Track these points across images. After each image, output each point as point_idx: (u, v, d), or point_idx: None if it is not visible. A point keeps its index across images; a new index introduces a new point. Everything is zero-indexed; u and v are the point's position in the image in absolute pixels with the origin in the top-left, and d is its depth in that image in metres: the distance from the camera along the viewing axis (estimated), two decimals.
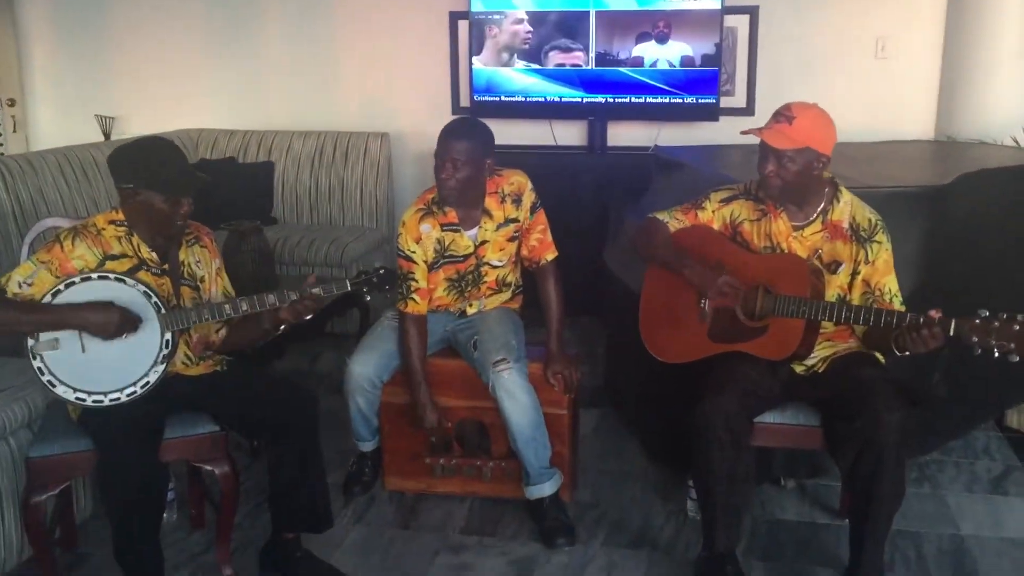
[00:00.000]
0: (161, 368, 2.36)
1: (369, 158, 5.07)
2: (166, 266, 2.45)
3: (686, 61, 4.77)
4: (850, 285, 2.46)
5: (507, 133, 4.64)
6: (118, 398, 2.32)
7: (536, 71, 4.94)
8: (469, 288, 2.94)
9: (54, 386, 2.30)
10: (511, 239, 2.91)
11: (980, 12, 4.58)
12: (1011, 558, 2.68)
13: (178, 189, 2.35)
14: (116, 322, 2.28)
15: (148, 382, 2.34)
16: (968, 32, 4.64)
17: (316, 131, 5.20)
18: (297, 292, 2.42)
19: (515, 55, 4.95)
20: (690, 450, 2.43)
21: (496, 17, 4.91)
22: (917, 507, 2.93)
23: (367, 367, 2.89)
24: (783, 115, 2.38)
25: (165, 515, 2.64)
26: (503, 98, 5.00)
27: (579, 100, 4.93)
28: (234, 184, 4.90)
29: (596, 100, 4.91)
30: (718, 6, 4.68)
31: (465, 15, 5.02)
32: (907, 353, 2.22)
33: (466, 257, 2.88)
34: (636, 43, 4.81)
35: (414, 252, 2.84)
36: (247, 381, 2.59)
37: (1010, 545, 2.74)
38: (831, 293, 2.45)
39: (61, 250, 2.33)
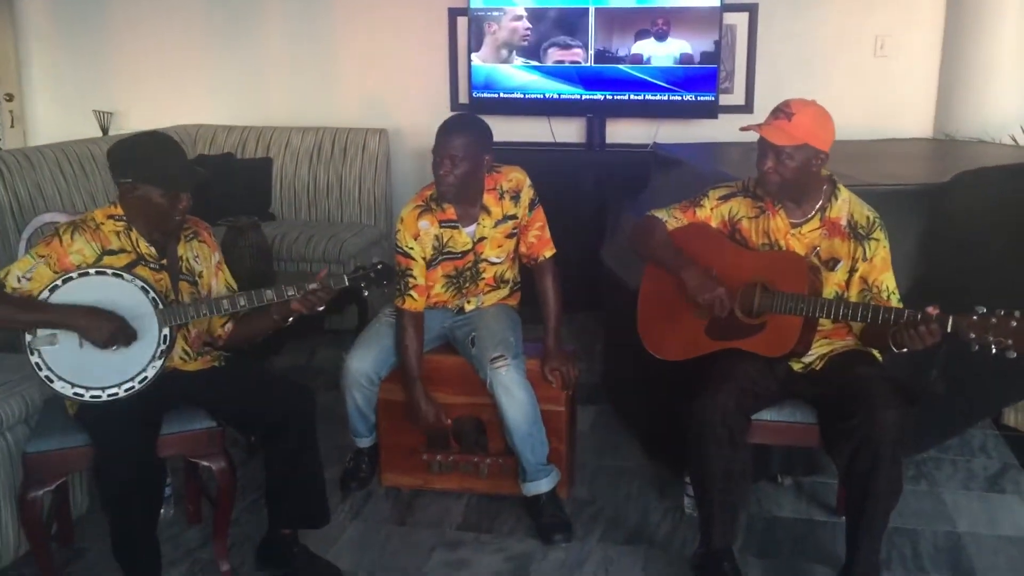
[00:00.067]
0: (159, 363, 2.36)
1: (368, 154, 5.07)
2: (164, 261, 2.45)
3: (685, 58, 4.77)
4: (848, 282, 2.46)
5: (506, 130, 4.64)
6: (116, 393, 2.32)
7: (535, 68, 4.93)
8: (467, 285, 2.94)
9: (52, 381, 2.30)
10: (509, 236, 2.91)
11: (979, 11, 4.59)
12: (1007, 556, 2.68)
13: (177, 183, 2.35)
14: (110, 331, 2.28)
15: (146, 377, 2.34)
16: (967, 31, 4.64)
17: (315, 127, 5.20)
18: (295, 287, 2.42)
19: (514, 52, 4.94)
20: (687, 447, 2.43)
21: (495, 14, 4.91)
22: (914, 505, 2.93)
23: (364, 363, 2.89)
24: (782, 111, 2.38)
25: (162, 510, 2.63)
26: (502, 95, 5.00)
27: (578, 97, 4.93)
28: (232, 180, 4.89)
29: (595, 97, 4.91)
30: (717, 4, 4.68)
31: (464, 11, 5.02)
32: (905, 350, 2.22)
33: (464, 254, 2.88)
34: (635, 40, 4.81)
35: (412, 249, 2.84)
36: (245, 377, 2.59)
37: (1006, 543, 2.75)
38: (829, 290, 2.45)
39: (60, 244, 2.33)
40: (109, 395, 2.31)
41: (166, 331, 2.36)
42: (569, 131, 5.14)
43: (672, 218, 2.63)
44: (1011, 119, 4.44)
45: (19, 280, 2.29)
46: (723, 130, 4.70)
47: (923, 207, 2.88)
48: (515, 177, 2.90)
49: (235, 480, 2.58)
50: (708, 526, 2.45)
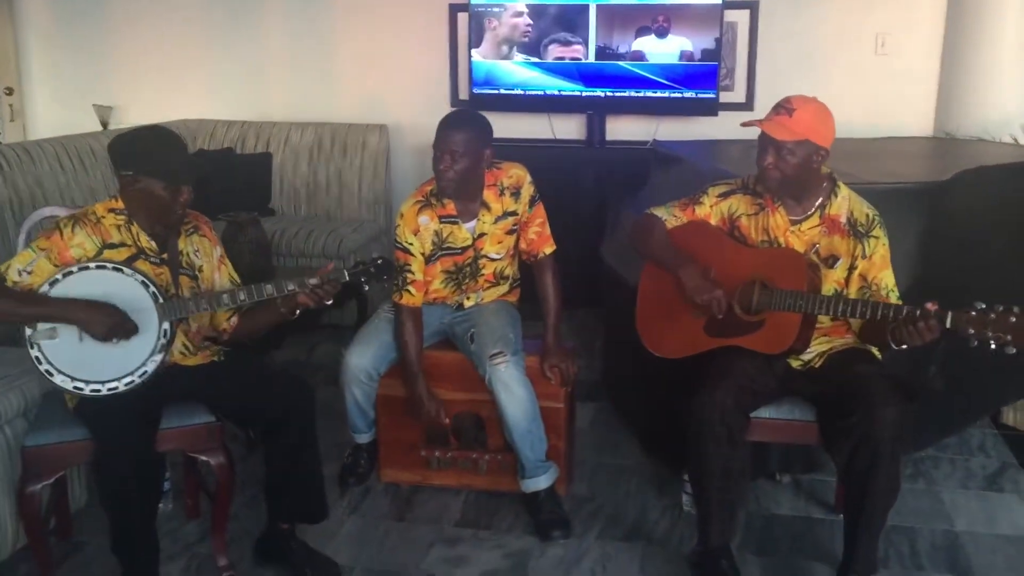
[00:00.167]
0: (159, 358, 2.36)
1: (367, 150, 5.06)
2: (165, 255, 2.45)
3: (686, 56, 4.77)
4: (847, 280, 2.46)
5: (506, 126, 4.61)
6: (116, 387, 2.31)
7: (535, 64, 4.93)
8: (467, 281, 2.94)
9: (52, 375, 2.29)
10: (509, 232, 2.91)
11: (980, 10, 4.58)
12: (1005, 555, 2.69)
13: (178, 176, 2.35)
14: (108, 326, 2.28)
15: (146, 372, 2.34)
16: (968, 29, 4.64)
17: (314, 123, 5.20)
18: (296, 281, 2.42)
19: (514, 48, 4.94)
20: (686, 444, 2.43)
21: (496, 10, 4.90)
22: (912, 503, 2.93)
23: (364, 359, 2.89)
24: (783, 107, 2.38)
25: (161, 505, 2.64)
26: (502, 91, 4.99)
27: (578, 94, 4.92)
28: (232, 175, 4.88)
29: (595, 94, 4.90)
30: (718, 1, 4.68)
31: (464, 7, 5.01)
32: (904, 347, 2.22)
33: (464, 249, 2.88)
34: (636, 37, 4.80)
35: (411, 244, 2.84)
36: (244, 371, 2.59)
37: (1004, 542, 2.75)
38: (828, 288, 2.45)
39: (60, 238, 2.33)
40: (109, 389, 2.31)
41: (166, 325, 2.36)
42: (569, 128, 5.14)
43: (671, 216, 2.63)
44: (1011, 118, 4.44)
45: (20, 274, 2.29)
46: (723, 128, 4.69)
47: (923, 206, 2.88)
48: (515, 173, 2.90)
49: (234, 475, 2.57)
50: (706, 524, 2.45)
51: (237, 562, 2.62)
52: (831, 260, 2.46)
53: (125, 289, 2.32)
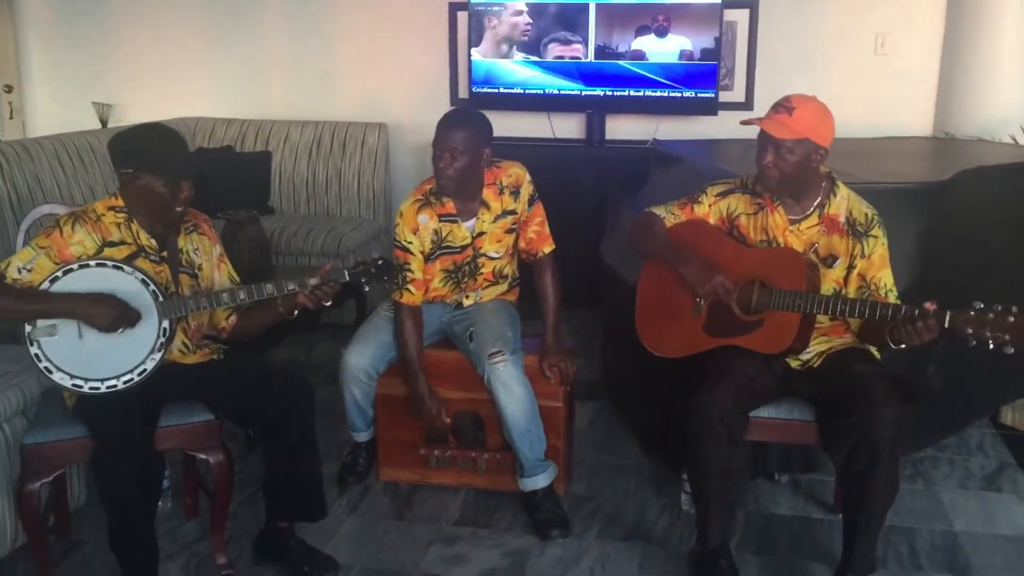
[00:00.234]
0: (158, 356, 2.35)
1: (367, 149, 5.06)
2: (165, 253, 2.45)
3: (685, 55, 4.77)
4: (846, 279, 2.46)
5: (505, 125, 4.61)
6: (115, 385, 2.31)
7: (535, 63, 4.93)
8: (466, 279, 2.94)
9: (51, 372, 2.29)
10: (509, 231, 2.91)
11: (980, 10, 4.59)
12: (1004, 555, 2.69)
13: (178, 173, 2.34)
14: (113, 316, 2.28)
15: (145, 370, 2.34)
16: (968, 30, 4.64)
17: (314, 121, 5.20)
18: (296, 281, 2.42)
19: (514, 47, 4.94)
20: (685, 444, 2.43)
21: (495, 9, 4.90)
22: (911, 503, 2.93)
23: (363, 358, 2.89)
24: (783, 106, 2.38)
25: (160, 503, 2.63)
26: (502, 90, 4.99)
27: (578, 93, 4.92)
28: (231, 173, 4.89)
29: (595, 93, 4.90)
30: (718, 0, 4.67)
31: (464, 6, 5.00)
32: (903, 346, 2.22)
33: (463, 248, 2.88)
34: (635, 36, 4.80)
35: (411, 243, 2.84)
36: (244, 370, 2.59)
37: (1003, 542, 2.75)
38: (827, 287, 2.45)
39: (60, 235, 2.33)
40: (108, 387, 2.31)
41: (166, 324, 2.36)
42: (569, 127, 5.14)
43: (670, 215, 2.63)
44: (1011, 118, 4.44)
45: (19, 271, 2.29)
46: (723, 127, 4.69)
47: (923, 205, 2.88)
48: (515, 172, 2.90)
49: (233, 473, 2.58)
50: (705, 523, 2.45)
51: (236, 560, 2.62)
52: (830, 260, 2.46)
53: (125, 287, 2.32)
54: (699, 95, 4.79)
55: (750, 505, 2.92)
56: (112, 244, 2.37)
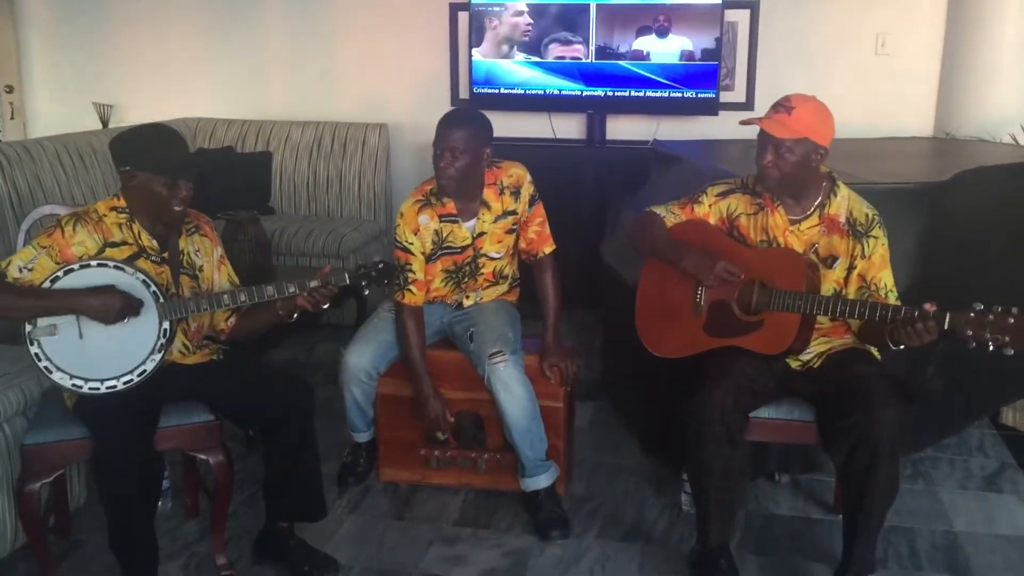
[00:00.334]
0: (158, 357, 2.36)
1: (367, 149, 5.06)
2: (166, 254, 2.45)
3: (686, 55, 4.77)
4: (846, 280, 2.46)
5: (506, 125, 4.63)
6: (115, 386, 2.31)
7: (536, 64, 4.93)
8: (466, 280, 2.94)
9: (51, 372, 2.29)
10: (509, 231, 2.91)
11: (980, 10, 4.59)
12: (1004, 555, 2.69)
13: (175, 171, 2.34)
14: (117, 307, 2.28)
15: (145, 371, 2.34)
16: (968, 30, 4.64)
17: (315, 121, 5.20)
18: (296, 283, 2.42)
19: (515, 47, 4.94)
20: (685, 444, 2.43)
21: (496, 9, 4.90)
22: (911, 503, 2.93)
23: (363, 358, 2.89)
24: (782, 105, 2.38)
25: (160, 504, 2.63)
26: (502, 90, 4.99)
27: (578, 93, 4.92)
28: (232, 174, 4.89)
29: (595, 93, 4.90)
30: (719, 1, 4.68)
31: (465, 7, 5.01)
32: (902, 347, 2.22)
33: (464, 249, 2.88)
34: (636, 36, 4.80)
35: (412, 243, 2.84)
36: (243, 370, 2.59)
37: (1003, 542, 2.75)
38: (827, 288, 2.45)
39: (62, 235, 2.33)
40: (107, 388, 2.31)
41: (166, 325, 2.36)
42: (569, 127, 5.14)
43: (671, 214, 2.63)
44: (1011, 118, 4.44)
45: (20, 270, 2.29)
46: (723, 127, 4.70)
47: (923, 206, 2.88)
48: (515, 173, 2.90)
49: (232, 474, 2.58)
50: (705, 523, 2.45)
51: (236, 561, 2.62)
52: (830, 260, 2.46)
53: (126, 288, 2.32)
54: (700, 95, 4.79)
55: (750, 505, 2.92)
56: (113, 245, 2.37)
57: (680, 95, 4.81)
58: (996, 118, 4.49)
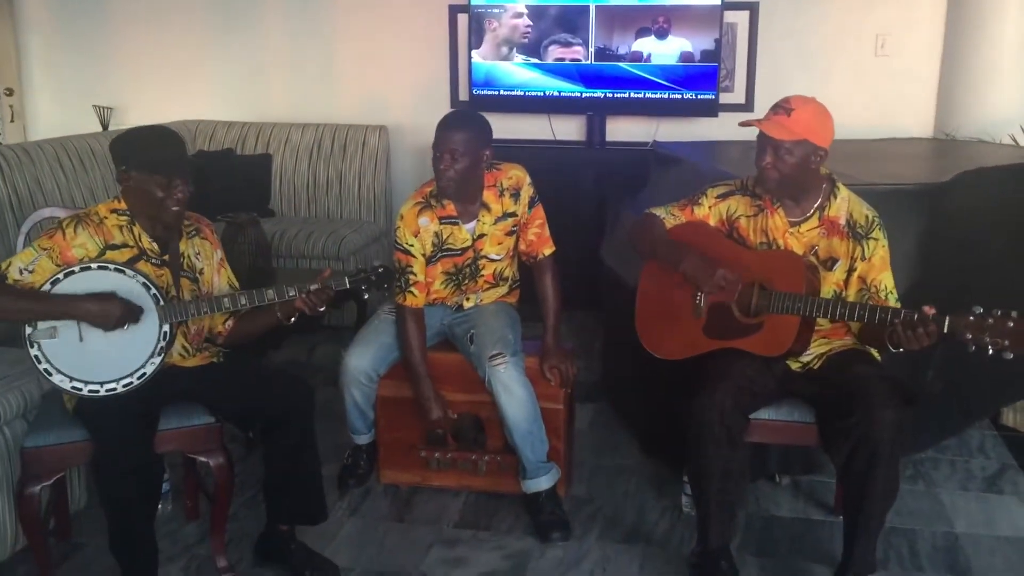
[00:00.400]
0: (158, 360, 2.36)
1: (367, 151, 5.06)
2: (166, 257, 2.45)
3: (685, 56, 4.77)
4: (846, 282, 2.46)
5: (505, 127, 4.63)
6: (114, 389, 2.31)
7: (535, 65, 4.93)
8: (466, 282, 2.94)
9: (51, 374, 2.29)
10: (509, 233, 2.91)
11: (980, 11, 4.59)
12: (1004, 556, 2.69)
13: (170, 169, 2.33)
14: (117, 314, 2.28)
15: (145, 374, 2.34)
16: (968, 30, 4.64)
17: (314, 123, 5.20)
18: (296, 286, 2.42)
19: (514, 49, 4.94)
20: (685, 446, 2.43)
21: (496, 11, 4.90)
22: (911, 504, 2.93)
23: (363, 360, 2.89)
24: (782, 107, 2.38)
25: (160, 506, 2.63)
26: (502, 92, 4.99)
27: (578, 95, 4.92)
28: (232, 176, 4.89)
29: (595, 95, 4.90)
30: (718, 2, 4.68)
31: (465, 8, 5.01)
32: (901, 350, 2.22)
33: (464, 250, 2.88)
34: (636, 38, 4.80)
35: (412, 246, 2.84)
36: (243, 372, 2.59)
37: (1004, 543, 2.75)
38: (827, 290, 2.45)
39: (63, 237, 2.33)
40: (107, 390, 2.31)
41: (166, 328, 2.36)
42: (569, 129, 5.14)
43: (670, 216, 2.63)
44: (1011, 119, 4.44)
45: (21, 272, 2.29)
46: (723, 128, 4.70)
47: (923, 207, 2.88)
48: (515, 174, 2.90)
49: (233, 476, 2.58)
50: (705, 525, 2.45)
51: (236, 563, 2.62)
52: (830, 262, 2.45)
53: (126, 290, 2.32)
54: (699, 97, 4.79)
55: (750, 507, 2.92)
56: (114, 247, 2.37)
57: (680, 96, 4.81)
58: (996, 119, 4.49)
